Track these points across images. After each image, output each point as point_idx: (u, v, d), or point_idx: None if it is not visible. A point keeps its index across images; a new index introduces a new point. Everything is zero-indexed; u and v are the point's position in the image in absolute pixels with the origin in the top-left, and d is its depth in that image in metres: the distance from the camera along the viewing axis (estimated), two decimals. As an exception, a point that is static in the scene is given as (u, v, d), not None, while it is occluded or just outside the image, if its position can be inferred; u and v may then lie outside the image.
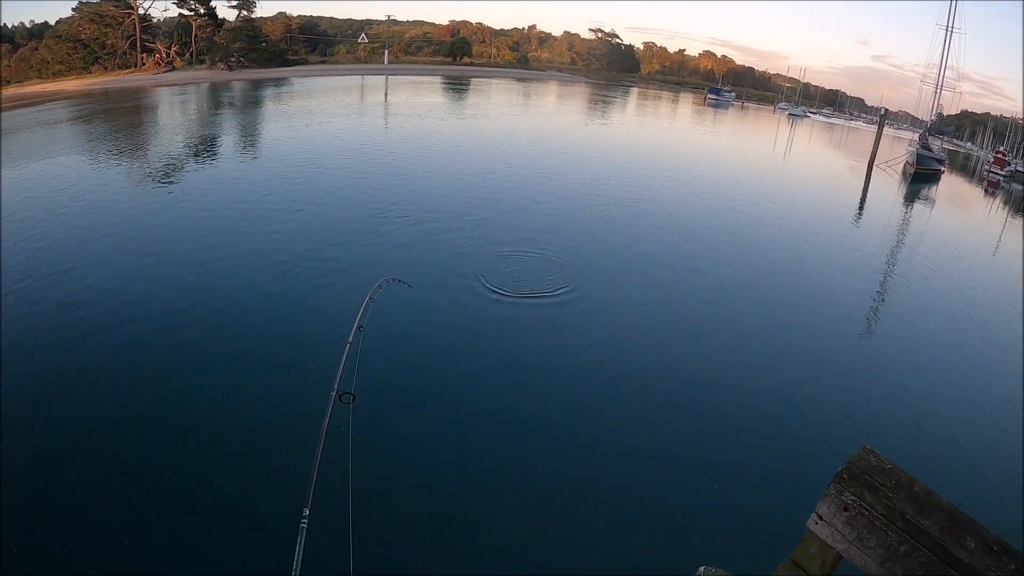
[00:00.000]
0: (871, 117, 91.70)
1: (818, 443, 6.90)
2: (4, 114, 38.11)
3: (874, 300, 12.28)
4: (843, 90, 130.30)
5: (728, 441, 6.82)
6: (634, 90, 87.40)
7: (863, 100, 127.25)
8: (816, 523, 2.13)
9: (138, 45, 69.70)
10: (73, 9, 71.86)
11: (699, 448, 6.69)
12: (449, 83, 62.34)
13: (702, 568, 2.66)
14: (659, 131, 40.94)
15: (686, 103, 75.57)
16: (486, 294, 10.05)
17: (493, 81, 71.53)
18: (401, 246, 12.38)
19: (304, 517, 2.47)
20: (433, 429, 6.79)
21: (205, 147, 24.58)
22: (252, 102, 41.17)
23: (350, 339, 4.23)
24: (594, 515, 5.69)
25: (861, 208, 22.66)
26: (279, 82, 54.13)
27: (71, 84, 60.30)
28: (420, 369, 7.93)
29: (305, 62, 74.87)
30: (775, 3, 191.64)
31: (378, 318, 9.04)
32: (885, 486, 2.01)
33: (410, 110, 37.85)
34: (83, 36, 68.84)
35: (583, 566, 5.12)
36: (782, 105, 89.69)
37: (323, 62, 78.32)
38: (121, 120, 32.96)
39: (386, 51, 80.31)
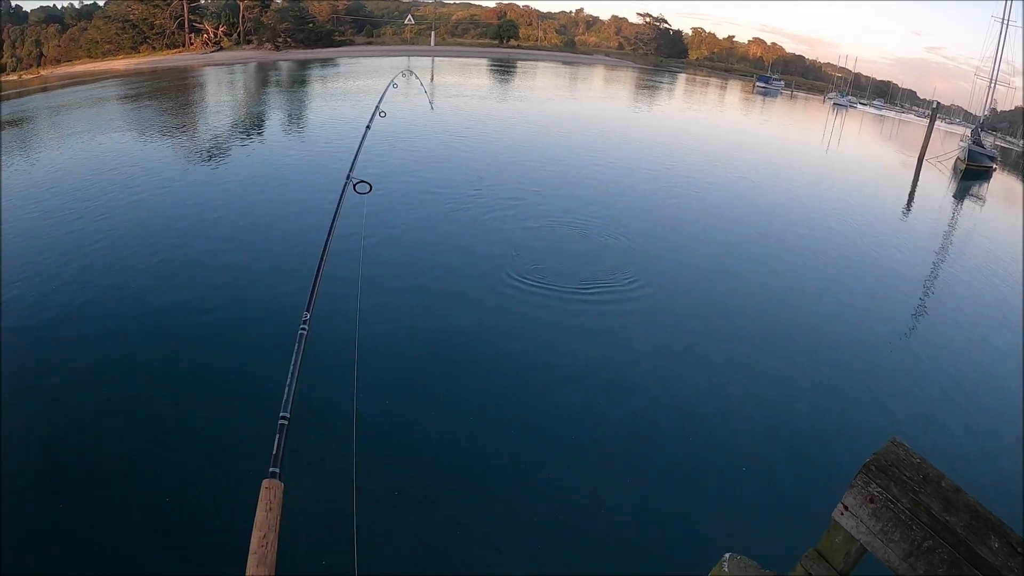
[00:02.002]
0: (922, 110, 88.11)
1: (849, 436, 6.72)
2: (56, 92, 38.42)
3: (916, 298, 11.74)
4: (895, 81, 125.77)
5: (757, 430, 6.67)
6: (682, 76, 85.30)
7: (915, 92, 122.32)
8: (842, 513, 2.15)
9: (186, 25, 70.03)
10: (122, -11, 72.62)
11: (727, 436, 6.53)
12: (495, 65, 61.34)
13: (727, 555, 2.67)
14: (706, 118, 39.65)
15: (734, 90, 73.50)
16: (520, 284, 9.53)
17: (539, 64, 70.27)
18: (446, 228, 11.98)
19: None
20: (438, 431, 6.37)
21: (252, 125, 24.20)
22: (299, 82, 40.77)
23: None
24: (616, 502, 5.55)
25: (909, 205, 21.62)
26: (325, 62, 53.72)
27: (120, 63, 60.80)
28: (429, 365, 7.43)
29: (351, 43, 74.48)
30: None
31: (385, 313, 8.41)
32: (912, 480, 2.02)
33: (457, 91, 37.11)
34: (132, 16, 69.49)
35: (606, 552, 5.00)
36: (832, 95, 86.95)
37: (369, 43, 77.83)
38: (170, 98, 32.75)
39: (432, 33, 79.55)
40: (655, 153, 22.52)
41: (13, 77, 64.87)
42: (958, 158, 33.78)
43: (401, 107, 29.12)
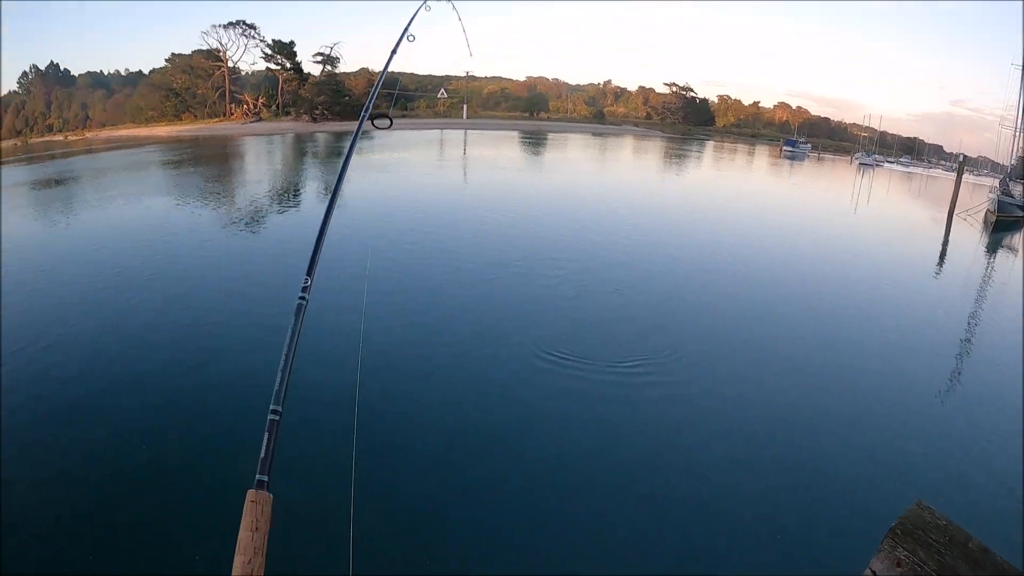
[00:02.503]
0: (950, 164, 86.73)
1: (877, 498, 6.34)
2: (100, 154, 39.58)
3: (951, 356, 11.18)
4: (920, 137, 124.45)
5: (781, 494, 6.39)
6: (710, 143, 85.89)
7: (941, 147, 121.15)
8: None
9: (227, 96, 72.56)
10: (166, 60, 75.88)
11: (750, 499, 6.24)
12: (527, 137, 62.28)
13: None
14: (736, 184, 39.42)
15: (762, 155, 73.65)
16: (552, 356, 9.13)
17: (570, 136, 71.27)
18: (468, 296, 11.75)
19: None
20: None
21: (289, 194, 24.49)
22: (335, 153, 41.59)
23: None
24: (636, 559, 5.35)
25: (941, 261, 21.08)
26: (361, 135, 54.84)
27: (163, 130, 62.75)
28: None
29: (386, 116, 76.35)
30: (849, 52, 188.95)
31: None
32: (939, 542, 2.01)
33: (490, 163, 37.52)
34: (176, 86, 72.29)
35: None
36: (858, 155, 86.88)
37: (404, 116, 79.90)
38: (210, 166, 33.48)
39: (464, 106, 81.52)
40: (687, 221, 22.27)
41: (59, 138, 67.21)
42: (988, 210, 32.89)
43: (435, 179, 29.55)
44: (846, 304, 13.75)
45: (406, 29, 3.49)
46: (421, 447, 6.82)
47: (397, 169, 31.98)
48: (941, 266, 20.17)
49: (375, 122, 3.13)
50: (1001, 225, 30.08)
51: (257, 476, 1.57)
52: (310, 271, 2.19)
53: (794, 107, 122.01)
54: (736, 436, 7.44)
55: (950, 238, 25.76)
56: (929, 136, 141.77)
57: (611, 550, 5.60)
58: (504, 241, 16.30)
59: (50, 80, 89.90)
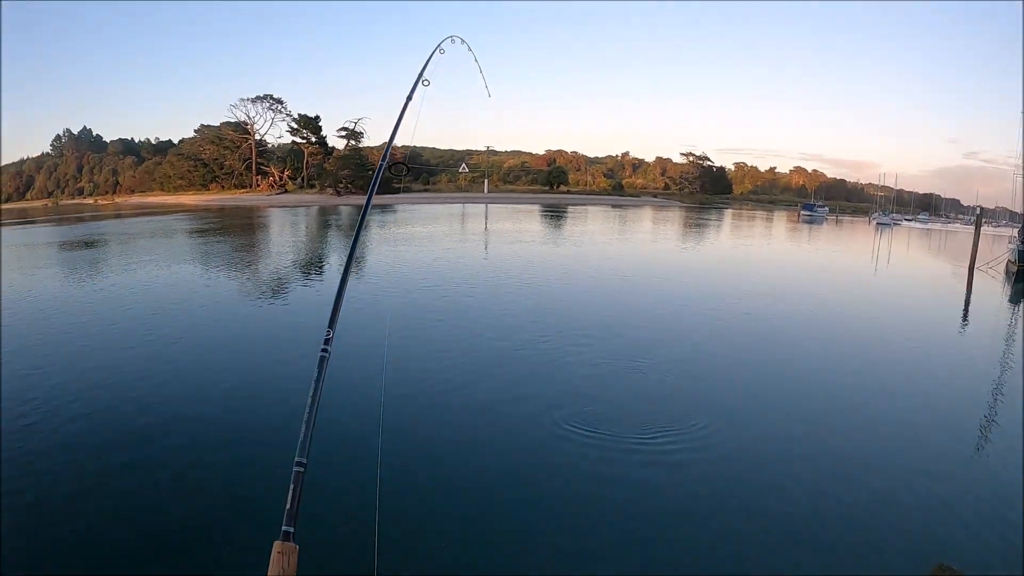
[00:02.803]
0: (968, 218, 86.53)
1: (896, 563, 5.94)
2: (129, 220, 40.29)
3: (977, 415, 10.85)
4: (937, 192, 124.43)
5: (798, 561, 6.10)
6: (728, 211, 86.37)
7: (958, 200, 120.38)
8: None
9: (254, 167, 74.36)
10: (196, 131, 78.29)
11: (765, 565, 6.01)
12: (547, 211, 62.90)
13: None
14: (756, 251, 39.25)
15: (780, 221, 73.65)
16: (573, 430, 8.84)
17: (589, 208, 71.84)
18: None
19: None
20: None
21: (313, 264, 24.61)
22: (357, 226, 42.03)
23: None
24: None
25: (965, 315, 20.81)
26: (384, 208, 55.73)
27: (190, 198, 64.13)
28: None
29: (409, 190, 77.77)
30: (861, 112, 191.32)
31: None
32: None
33: (512, 237, 37.77)
34: (204, 156, 74.32)
35: None
36: (875, 215, 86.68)
37: (426, 190, 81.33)
38: (236, 235, 33.90)
39: (486, 180, 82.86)
40: (710, 291, 21.96)
41: (90, 201, 68.68)
42: (1009, 260, 32.38)
43: (456, 252, 29.65)
44: (871, 364, 13.49)
45: (421, 73, 3.55)
46: (444, 510, 6.67)
47: (420, 242, 32.16)
48: (965, 320, 19.94)
49: (392, 169, 3.35)
50: (1023, 275, 29.70)
51: (283, 527, 1.59)
52: (332, 323, 2.25)
53: (810, 171, 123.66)
54: (750, 504, 7.18)
55: (973, 292, 25.44)
56: (945, 191, 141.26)
57: None
58: (526, 313, 16.12)
59: (83, 144, 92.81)
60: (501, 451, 8.36)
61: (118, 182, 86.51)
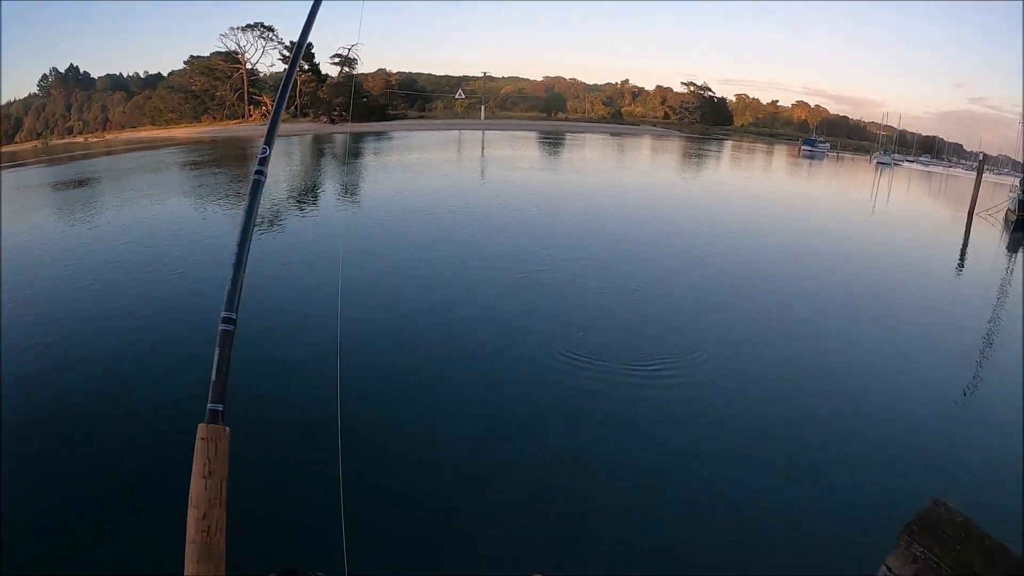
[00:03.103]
0: (970, 163, 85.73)
1: (893, 495, 6.26)
2: (120, 156, 39.80)
3: (970, 357, 11.02)
4: (940, 136, 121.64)
5: (797, 488, 6.41)
6: (728, 143, 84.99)
7: (961, 145, 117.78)
8: (885, 575, 2.09)
9: (246, 97, 72.90)
10: (185, 62, 76.44)
11: (766, 492, 6.24)
12: (545, 138, 61.98)
13: None
14: (756, 184, 39.01)
15: (780, 155, 72.80)
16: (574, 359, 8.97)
17: (587, 136, 70.89)
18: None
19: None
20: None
21: (308, 195, 24.39)
22: (353, 154, 41.58)
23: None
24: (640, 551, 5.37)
25: (961, 261, 20.86)
26: (379, 135, 54.90)
27: (182, 132, 63.13)
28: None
29: (404, 117, 76.55)
30: (867, 49, 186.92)
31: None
32: (954, 539, 1.97)
33: (509, 164, 37.42)
34: (195, 88, 72.76)
35: None
36: (877, 154, 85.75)
37: (421, 117, 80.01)
38: (228, 167, 33.50)
39: (482, 106, 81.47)
40: (705, 222, 22.08)
41: (80, 140, 67.78)
42: (1008, 209, 32.06)
43: (452, 180, 29.34)
44: (867, 303, 13.62)
45: None
46: (438, 440, 6.85)
47: (416, 169, 31.83)
48: (962, 265, 20.02)
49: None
50: (1022, 224, 29.52)
51: (209, 405, 1.27)
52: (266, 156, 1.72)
53: (812, 106, 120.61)
54: (754, 434, 7.35)
55: (970, 238, 25.57)
56: (949, 135, 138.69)
57: (631, 543, 5.55)
58: (523, 239, 16.14)
59: (70, 83, 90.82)
60: (497, 372, 8.57)
61: (108, 119, 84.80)
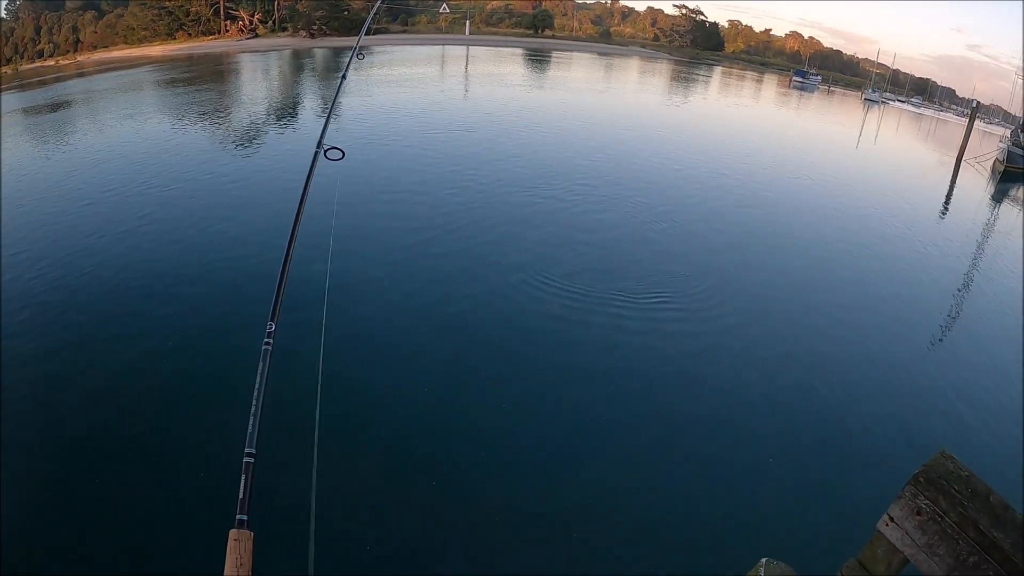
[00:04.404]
0: (961, 109, 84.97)
1: (890, 447, 6.44)
2: (93, 77, 38.54)
3: (954, 301, 11.35)
4: (934, 79, 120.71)
5: (797, 437, 6.45)
6: (718, 69, 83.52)
7: (954, 91, 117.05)
8: (887, 525, 2.12)
9: (222, 12, 70.21)
10: (159, -24, 73.17)
11: (766, 440, 6.31)
12: (530, 55, 60.51)
13: (764, 560, 2.64)
14: (745, 113, 38.84)
15: (770, 85, 71.92)
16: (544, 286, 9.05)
17: (575, 55, 69.24)
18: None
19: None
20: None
21: (286, 113, 23.83)
22: (333, 69, 40.50)
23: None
24: (649, 500, 5.44)
25: (946, 205, 21.23)
26: (360, 50, 53.27)
27: (156, 50, 61.15)
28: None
29: (386, 31, 74.04)
30: None
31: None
32: (960, 494, 1.97)
33: (493, 81, 36.75)
34: (168, 3, 69.89)
35: (637, 548, 4.92)
36: (867, 91, 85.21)
37: (404, 31, 77.47)
38: (204, 85, 32.55)
39: (467, 22, 79.04)
40: (691, 146, 22.24)
41: (51, 63, 65.54)
42: (996, 159, 32.59)
43: (436, 96, 28.73)
44: (852, 241, 13.64)
45: None
46: (413, 355, 7.04)
47: (400, 88, 31.05)
48: (946, 210, 20.28)
49: (327, 154, 3.21)
50: (1009, 175, 30.02)
51: (237, 516, 1.61)
52: (273, 316, 2.25)
53: (806, 37, 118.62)
54: (746, 376, 7.40)
55: (957, 183, 25.91)
56: (942, 79, 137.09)
57: (628, 461, 5.75)
58: (508, 160, 16.05)
59: (38, 5, 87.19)
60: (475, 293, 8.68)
61: (79, 40, 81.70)
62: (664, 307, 8.78)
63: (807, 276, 11.12)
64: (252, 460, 1.76)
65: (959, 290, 11.91)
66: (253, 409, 1.86)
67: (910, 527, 2.04)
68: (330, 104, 4.18)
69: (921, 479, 2.03)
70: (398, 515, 4.94)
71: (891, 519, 2.09)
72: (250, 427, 1.82)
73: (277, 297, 2.32)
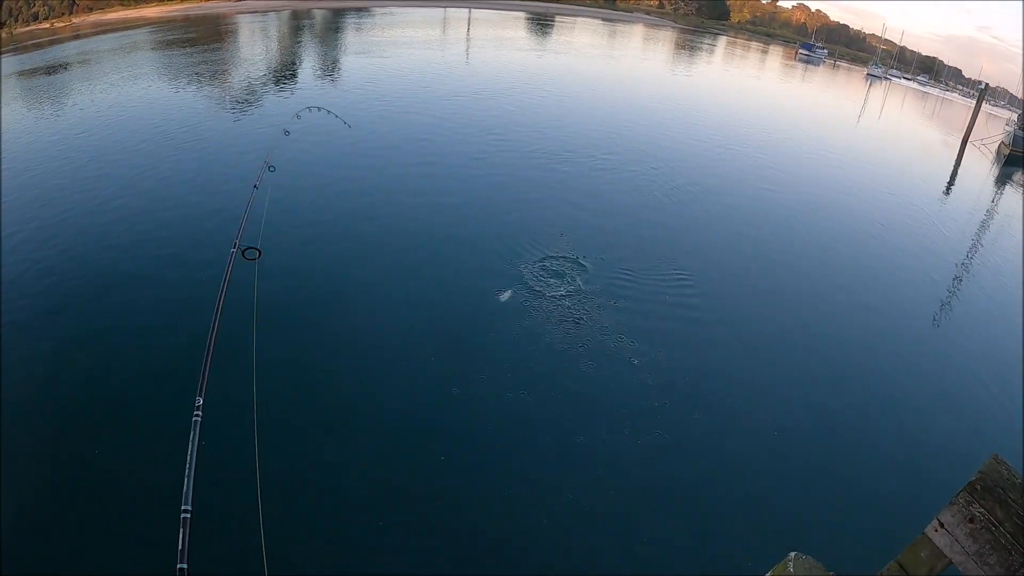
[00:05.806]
0: (967, 90, 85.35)
1: (923, 449, 6.36)
2: (89, 39, 37.81)
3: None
4: (941, 58, 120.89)
5: (828, 438, 6.38)
6: (723, 39, 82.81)
7: (960, 71, 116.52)
8: (936, 530, 2.06)
9: (220, -28, 68.93)
10: (155, -67, 71.68)
11: (803, 444, 6.27)
12: (533, 19, 59.56)
13: (792, 554, 2.62)
14: (751, 84, 38.64)
15: (776, 56, 71.35)
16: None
17: (579, 20, 68.33)
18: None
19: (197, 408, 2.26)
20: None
21: (284, 75, 23.36)
22: (333, 30, 39.81)
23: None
24: (688, 500, 5.40)
25: (951, 185, 21.21)
26: (360, 12, 52.43)
27: (152, 10, 60.17)
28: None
29: (387, -7, 72.80)
30: None
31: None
32: (1017, 503, 1.89)
33: (494, 46, 36.27)
34: (164, -37, 68.50)
35: (670, 543, 4.95)
36: (872, 66, 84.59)
37: (405, -7, 76.10)
38: (201, 46, 31.91)
39: (470, -16, 77.69)
40: (691, 123, 21.62)
41: (46, 25, 64.48)
42: (1002, 142, 32.56)
43: (438, 62, 28.24)
44: (855, 217, 13.60)
45: None
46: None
47: (400, 51, 30.49)
48: (950, 190, 20.20)
49: (244, 254, 3.63)
50: (1013, 159, 29.93)
51: (178, 565, 1.73)
52: (200, 391, 2.48)
53: (813, 10, 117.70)
54: (781, 375, 7.33)
55: (962, 164, 25.85)
56: (949, 59, 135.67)
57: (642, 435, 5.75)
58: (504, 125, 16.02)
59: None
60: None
61: (74, 2, 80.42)
62: (678, 299, 8.57)
63: (832, 269, 10.88)
64: (188, 516, 1.93)
65: (963, 278, 11.80)
66: (187, 472, 2.04)
67: (961, 534, 2.01)
68: (245, 209, 4.51)
69: (978, 487, 1.98)
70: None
71: (941, 524, 2.06)
72: (185, 486, 1.99)
73: (204, 371, 2.61)
